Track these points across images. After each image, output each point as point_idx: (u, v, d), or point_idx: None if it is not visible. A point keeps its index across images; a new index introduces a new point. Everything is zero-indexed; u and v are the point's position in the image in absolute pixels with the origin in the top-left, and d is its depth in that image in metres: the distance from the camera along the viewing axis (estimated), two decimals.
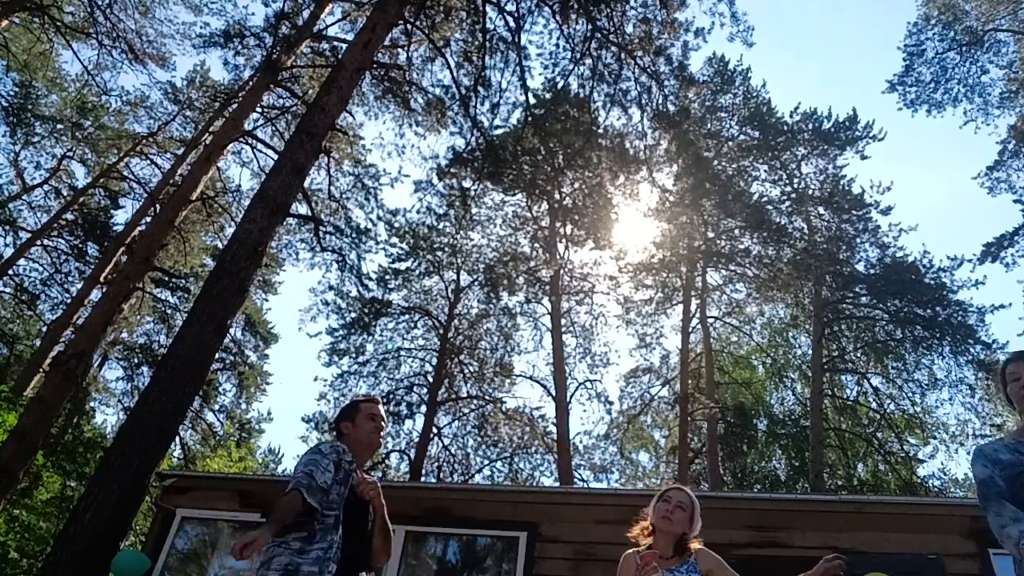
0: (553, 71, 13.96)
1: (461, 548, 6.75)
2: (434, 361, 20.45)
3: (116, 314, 12.19)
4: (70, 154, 20.87)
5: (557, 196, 20.21)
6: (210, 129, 16.53)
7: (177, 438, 18.54)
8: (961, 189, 43.67)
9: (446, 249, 21.55)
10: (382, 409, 3.13)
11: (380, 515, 2.87)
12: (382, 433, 3.06)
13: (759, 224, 19.89)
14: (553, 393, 19.52)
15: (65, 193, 20.63)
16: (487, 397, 20.76)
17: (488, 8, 12.93)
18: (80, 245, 20.12)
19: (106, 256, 17.06)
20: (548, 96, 15.89)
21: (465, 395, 20.66)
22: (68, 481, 16.69)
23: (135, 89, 24.04)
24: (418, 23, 12.62)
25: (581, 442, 22.17)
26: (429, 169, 19.75)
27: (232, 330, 18.72)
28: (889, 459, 19.90)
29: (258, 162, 15.81)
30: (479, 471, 20.07)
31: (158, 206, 14.97)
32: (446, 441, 19.95)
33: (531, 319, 21.73)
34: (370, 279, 19.40)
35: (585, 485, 20.23)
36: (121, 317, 14.20)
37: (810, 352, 21.04)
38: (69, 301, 17.70)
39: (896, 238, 20.45)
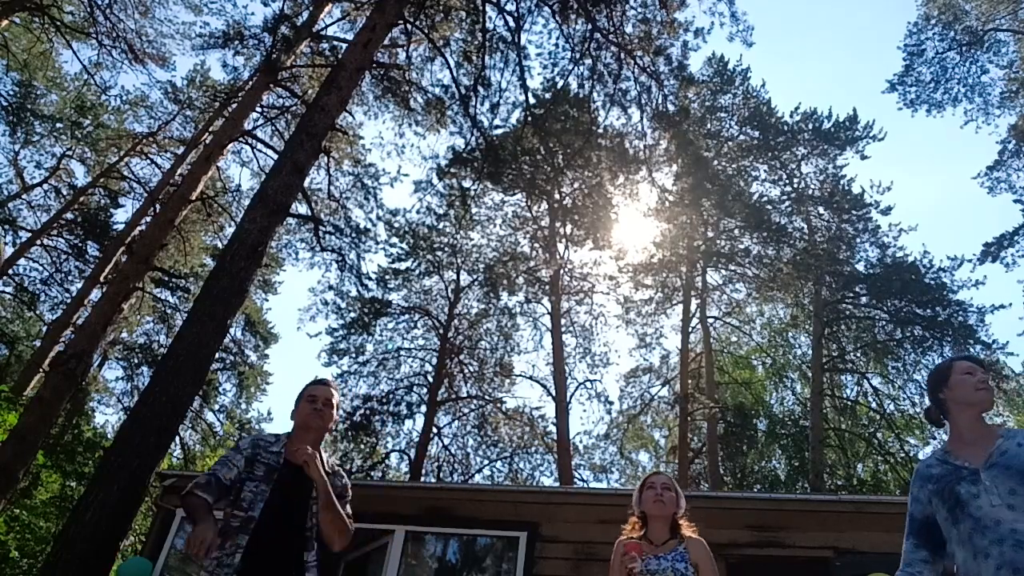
0: (553, 71, 13.99)
1: (461, 548, 6.75)
2: (434, 361, 20.45)
3: (116, 314, 12.18)
4: (70, 153, 20.89)
5: (557, 196, 20.23)
6: (210, 129, 16.54)
7: (177, 438, 18.56)
8: (961, 189, 43.70)
9: (446, 249, 21.55)
10: (328, 389, 2.95)
11: (322, 491, 2.67)
12: (323, 415, 2.86)
13: (759, 224, 19.89)
14: (553, 393, 19.52)
15: (65, 192, 20.64)
16: (487, 397, 20.76)
17: (488, 8, 12.94)
18: (80, 245, 20.13)
19: (106, 256, 17.06)
20: (548, 96, 15.89)
21: (465, 395, 20.66)
22: (68, 481, 16.68)
23: (135, 89, 24.11)
24: (418, 23, 12.62)
25: (581, 442, 22.20)
26: (429, 169, 19.80)
27: (232, 330, 18.73)
28: (889, 459, 19.89)
29: (258, 162, 15.83)
30: (479, 471, 20.07)
31: (158, 206, 14.97)
32: (446, 441, 19.97)
33: (531, 319, 21.75)
34: (370, 279, 19.40)
35: (585, 485, 20.24)
36: (121, 317, 14.19)
37: (810, 352, 21.04)
38: (69, 301, 17.70)
39: (896, 238, 20.49)
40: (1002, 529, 2.01)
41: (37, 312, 20.25)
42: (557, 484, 18.24)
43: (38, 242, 19.41)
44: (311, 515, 2.70)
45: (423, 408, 19.63)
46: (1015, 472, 2.08)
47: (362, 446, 19.86)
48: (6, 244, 19.17)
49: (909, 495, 2.37)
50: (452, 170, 18.68)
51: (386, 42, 12.15)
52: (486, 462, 20.44)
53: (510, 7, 12.87)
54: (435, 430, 19.52)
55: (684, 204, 20.19)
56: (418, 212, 21.09)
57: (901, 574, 2.26)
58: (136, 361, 21.52)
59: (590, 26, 12.68)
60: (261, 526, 2.59)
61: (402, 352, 21.12)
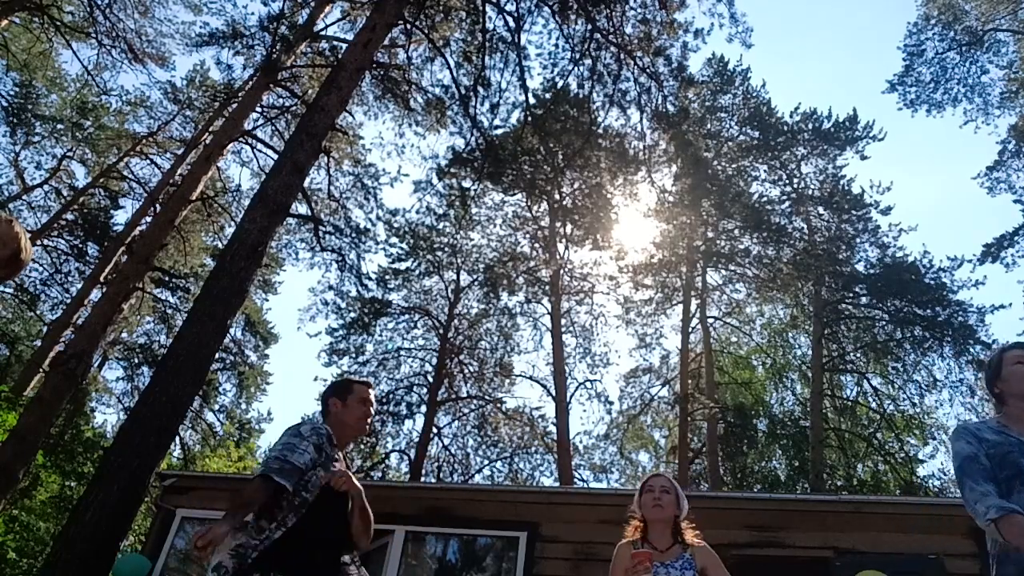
0: (552, 71, 13.99)
1: (461, 548, 6.75)
2: (434, 361, 20.44)
3: (116, 314, 12.19)
4: (70, 154, 20.89)
5: (557, 196, 20.21)
6: (210, 129, 16.54)
7: (177, 438, 18.55)
8: (961, 189, 43.66)
9: (446, 249, 21.55)
10: (374, 395, 3.06)
11: (358, 499, 2.74)
12: (369, 420, 2.99)
13: (759, 224, 19.89)
14: (553, 393, 19.52)
15: (65, 193, 20.64)
16: (487, 397, 20.76)
17: (488, 8, 12.95)
18: (80, 245, 20.13)
19: (106, 256, 17.07)
20: (547, 96, 15.90)
21: (465, 395, 20.66)
22: (68, 481, 16.67)
23: (135, 89, 24.07)
24: (418, 23, 12.63)
25: (581, 442, 22.19)
26: (429, 169, 19.77)
27: (232, 330, 18.72)
28: (889, 459, 19.89)
29: (258, 162, 15.83)
30: (479, 471, 20.07)
31: (158, 206, 14.98)
32: (446, 441, 19.96)
33: (531, 319, 21.74)
34: (370, 279, 19.40)
35: (585, 485, 20.23)
36: (121, 317, 14.20)
37: (810, 352, 21.04)
38: (69, 301, 17.71)
39: (896, 238, 20.47)
40: None
41: (37, 312, 20.25)
42: (557, 484, 18.24)
43: (38, 243, 19.39)
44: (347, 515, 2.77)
45: (423, 408, 19.64)
46: None
47: (362, 446, 19.85)
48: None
49: (967, 447, 2.28)
50: (452, 170, 18.69)
51: (386, 42, 12.16)
52: (486, 462, 20.45)
53: (510, 7, 12.89)
54: (435, 430, 19.52)
55: (684, 204, 20.19)
56: (418, 212, 21.12)
57: (1004, 502, 2.04)
58: (136, 361, 21.52)
59: (590, 26, 12.69)
60: (312, 513, 2.59)
61: (402, 352, 21.13)
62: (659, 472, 3.16)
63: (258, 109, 14.24)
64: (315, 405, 27.74)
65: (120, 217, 21.27)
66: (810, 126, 21.83)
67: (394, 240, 21.07)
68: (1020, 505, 2.10)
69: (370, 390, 3.01)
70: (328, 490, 2.66)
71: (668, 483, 3.01)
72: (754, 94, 22.62)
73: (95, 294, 15.98)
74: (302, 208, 12.62)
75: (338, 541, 2.72)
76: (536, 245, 21.51)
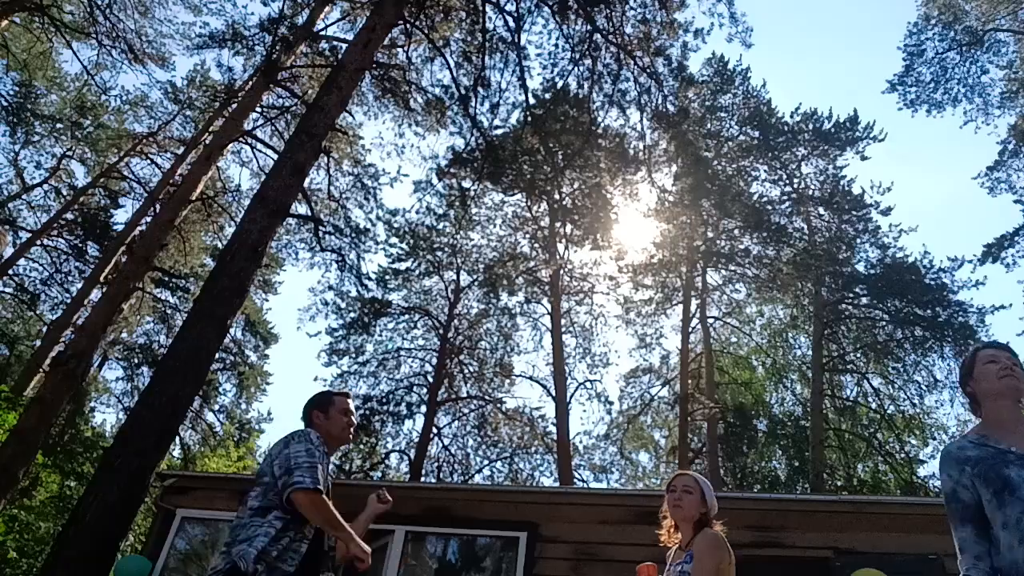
0: (552, 71, 13.97)
1: (461, 548, 6.75)
2: (434, 361, 20.45)
3: (116, 314, 12.19)
4: (70, 154, 20.90)
5: (557, 196, 20.21)
6: (210, 129, 16.53)
7: (177, 438, 18.55)
8: (961, 189, 43.69)
9: (446, 249, 21.56)
10: (353, 404, 3.18)
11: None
12: (352, 429, 3.12)
13: (759, 224, 19.88)
14: (553, 393, 19.52)
15: (65, 193, 20.65)
16: (487, 397, 20.76)
17: (488, 8, 12.94)
18: (80, 245, 20.13)
19: (106, 256, 17.05)
20: (547, 96, 15.88)
21: (465, 395, 20.66)
22: (68, 481, 16.67)
23: (135, 89, 24.12)
24: (417, 23, 12.62)
25: (581, 442, 22.19)
26: (429, 169, 19.78)
27: (232, 330, 18.71)
28: (889, 459, 19.89)
29: (258, 162, 15.83)
30: (479, 471, 20.08)
31: (158, 206, 14.97)
32: (446, 441, 19.97)
33: (531, 319, 21.75)
34: (370, 279, 19.40)
35: (585, 485, 20.23)
36: (121, 317, 14.21)
37: (810, 352, 21.03)
38: (69, 301, 17.70)
39: (896, 238, 20.47)
40: None
41: (37, 312, 20.25)
42: (557, 484, 18.23)
43: (38, 242, 19.41)
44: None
45: (423, 408, 19.64)
46: None
47: (362, 446, 19.86)
48: (6, 245, 19.18)
49: (947, 482, 2.27)
50: (452, 170, 18.65)
51: (386, 42, 12.15)
52: (486, 462, 20.46)
53: (510, 7, 12.88)
54: (435, 430, 19.52)
55: (684, 204, 20.18)
56: (418, 212, 21.12)
57: (975, 571, 2.12)
58: (136, 361, 21.54)
59: (590, 26, 12.68)
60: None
61: (402, 352, 21.13)
62: (685, 471, 3.06)
63: (258, 109, 14.24)
64: None
65: (120, 217, 21.29)
66: (810, 126, 21.82)
67: (394, 240, 21.11)
68: (1012, 517, 2.06)
69: (349, 400, 3.13)
70: None
71: (692, 482, 2.88)
72: (754, 94, 22.64)
73: (95, 294, 15.97)
74: (302, 208, 12.61)
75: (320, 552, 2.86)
76: (536, 245, 21.53)
